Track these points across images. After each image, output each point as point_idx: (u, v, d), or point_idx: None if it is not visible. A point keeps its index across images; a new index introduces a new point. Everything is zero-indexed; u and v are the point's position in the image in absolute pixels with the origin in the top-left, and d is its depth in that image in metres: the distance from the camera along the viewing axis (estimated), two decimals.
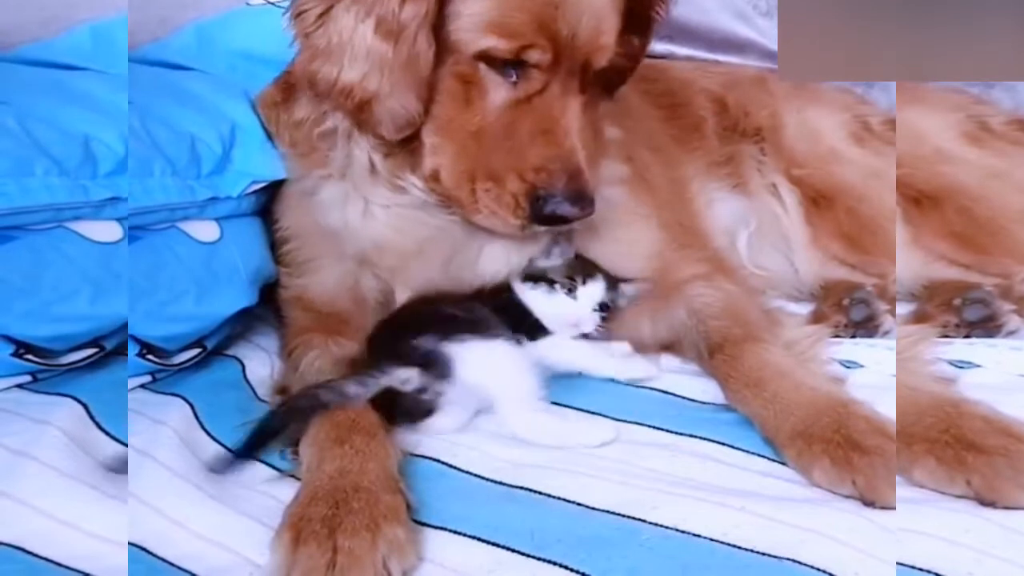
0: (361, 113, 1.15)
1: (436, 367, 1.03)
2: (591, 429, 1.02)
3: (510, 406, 1.03)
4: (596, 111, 1.24)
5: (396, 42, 1.10)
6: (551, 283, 1.19)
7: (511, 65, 1.12)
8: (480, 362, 1.04)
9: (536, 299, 1.18)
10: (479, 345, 1.06)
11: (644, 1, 1.26)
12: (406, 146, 1.19)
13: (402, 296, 1.24)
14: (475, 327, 1.08)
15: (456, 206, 1.18)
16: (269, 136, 1.34)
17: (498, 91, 1.13)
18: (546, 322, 1.17)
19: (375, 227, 1.24)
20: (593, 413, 1.10)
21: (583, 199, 1.12)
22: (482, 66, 1.12)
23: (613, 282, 1.24)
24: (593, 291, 1.20)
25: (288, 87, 1.33)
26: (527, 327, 1.16)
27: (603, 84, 1.29)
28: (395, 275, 1.24)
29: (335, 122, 1.22)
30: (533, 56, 1.11)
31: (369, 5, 1.10)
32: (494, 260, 1.24)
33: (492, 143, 1.14)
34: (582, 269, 1.22)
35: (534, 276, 1.20)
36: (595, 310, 1.20)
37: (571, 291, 1.18)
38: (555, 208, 1.11)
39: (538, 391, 1.05)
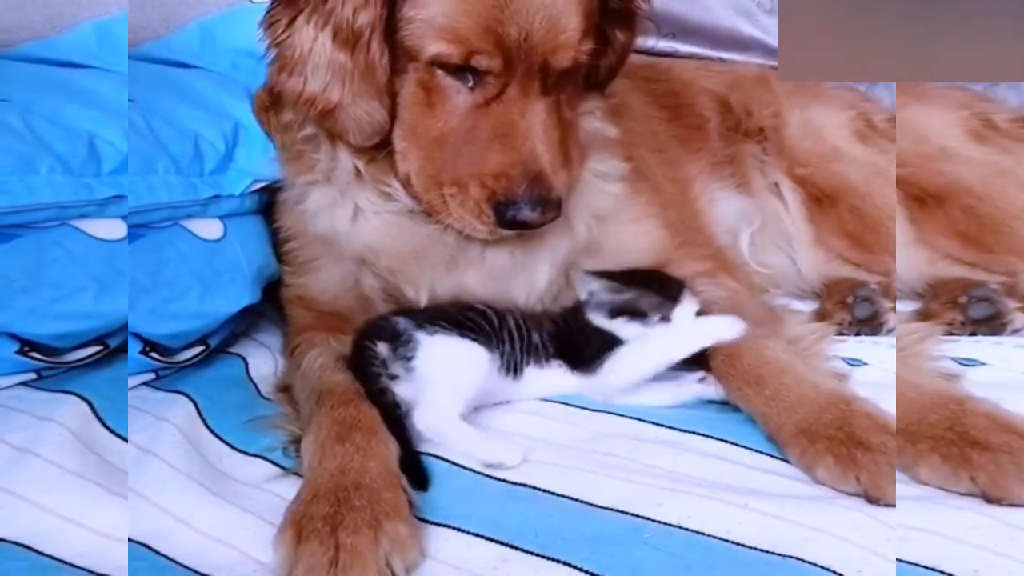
0: (326, 122, 1.15)
1: (402, 347, 1.05)
2: (497, 449, 0.98)
3: (430, 404, 1.02)
4: (568, 111, 1.21)
5: (353, 50, 1.10)
6: (643, 315, 1.14)
7: (464, 70, 1.11)
8: (434, 354, 1.04)
9: (626, 332, 1.13)
10: (446, 340, 1.06)
11: None
12: (383, 151, 1.19)
13: (411, 295, 1.23)
14: (461, 326, 1.08)
15: (429, 210, 1.18)
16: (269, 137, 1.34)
17: (457, 96, 1.12)
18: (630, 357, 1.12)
19: (366, 232, 1.23)
20: (596, 411, 1.10)
21: (546, 203, 1.11)
22: (438, 72, 1.12)
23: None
24: (687, 307, 1.16)
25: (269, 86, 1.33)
26: (595, 348, 1.12)
27: (586, 83, 1.27)
28: (396, 276, 1.24)
29: (316, 128, 1.22)
30: (482, 62, 1.09)
31: (327, 14, 1.10)
32: (500, 268, 1.23)
33: (455, 148, 1.13)
34: (661, 287, 1.17)
35: (625, 310, 1.15)
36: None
37: (664, 318, 1.14)
38: (515, 214, 1.11)
39: (469, 402, 1.04)
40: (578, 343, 1.14)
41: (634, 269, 1.23)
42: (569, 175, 1.19)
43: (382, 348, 1.06)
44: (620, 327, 1.14)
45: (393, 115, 1.15)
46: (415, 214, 1.21)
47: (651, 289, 1.15)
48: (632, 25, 1.27)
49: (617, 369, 1.11)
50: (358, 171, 1.22)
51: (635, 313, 1.14)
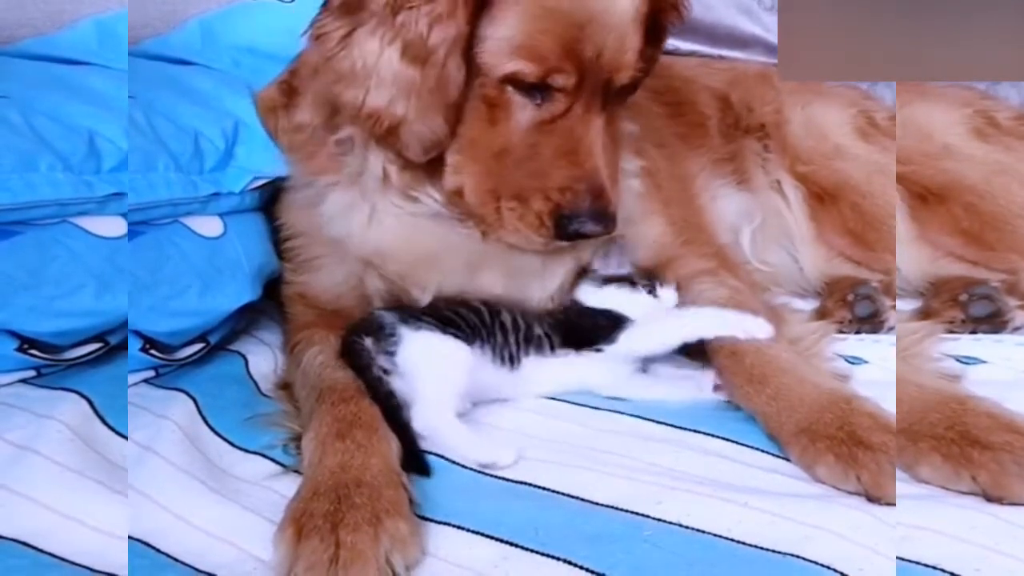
0: (389, 136, 1.14)
1: (385, 340, 1.06)
2: (491, 449, 0.97)
3: (424, 403, 1.02)
4: (616, 126, 1.25)
5: (424, 66, 1.09)
6: (632, 283, 1.20)
7: (536, 88, 1.12)
8: (416, 350, 1.05)
9: (618, 298, 1.19)
10: (428, 336, 1.06)
11: (661, 13, 1.25)
12: (426, 160, 1.18)
13: (416, 296, 1.23)
14: (445, 322, 1.08)
15: (479, 223, 1.19)
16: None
17: (523, 112, 1.14)
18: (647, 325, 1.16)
19: (379, 235, 1.23)
20: (596, 408, 1.10)
21: (606, 217, 1.14)
22: (508, 88, 1.12)
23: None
24: (672, 292, 1.22)
25: (291, 90, 1.32)
26: (603, 329, 1.15)
27: (622, 95, 1.28)
28: (403, 279, 1.24)
29: (351, 131, 1.21)
30: (559, 80, 1.11)
31: (396, 29, 1.09)
32: (521, 270, 1.23)
33: (517, 163, 1.14)
34: (651, 275, 1.24)
35: (614, 279, 1.21)
36: None
37: (652, 291, 1.20)
38: (579, 227, 1.13)
39: (461, 398, 1.04)
40: (584, 330, 1.17)
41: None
42: (618, 187, 1.21)
43: (367, 342, 1.07)
44: (612, 294, 1.18)
45: (453, 130, 1.15)
46: (435, 218, 1.21)
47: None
48: (660, 41, 1.30)
49: (633, 338, 1.14)
50: (386, 176, 1.21)
51: (623, 280, 1.20)
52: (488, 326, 1.11)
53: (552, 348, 1.15)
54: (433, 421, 1.01)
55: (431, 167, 1.19)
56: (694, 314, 1.18)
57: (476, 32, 1.10)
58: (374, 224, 1.23)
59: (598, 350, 1.14)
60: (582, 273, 1.26)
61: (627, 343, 1.14)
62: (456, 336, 1.08)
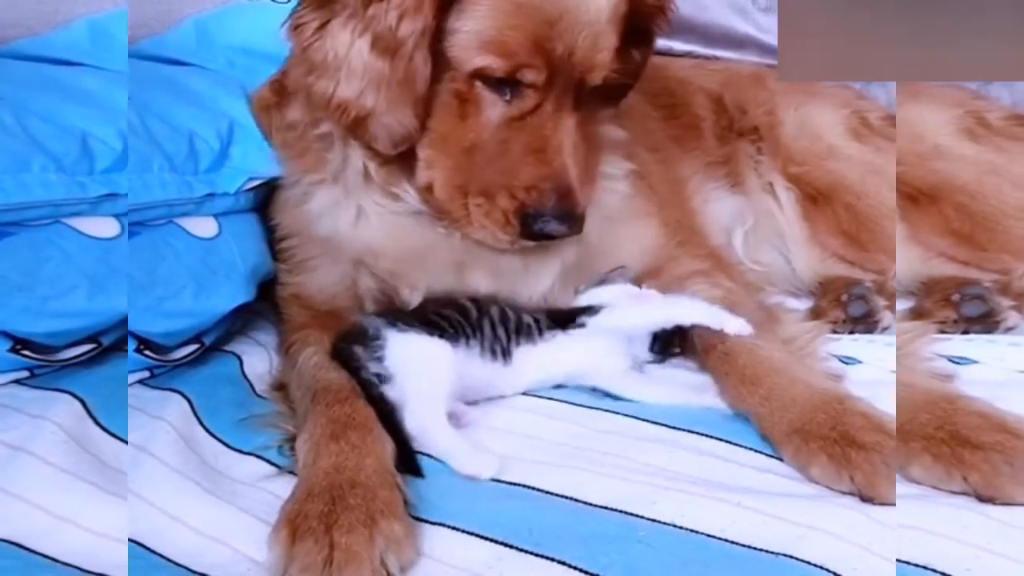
0: (357, 128, 1.15)
1: (372, 347, 1.06)
2: (473, 461, 0.97)
3: (415, 407, 1.02)
4: (591, 126, 1.24)
5: (393, 59, 1.10)
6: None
7: (505, 83, 1.12)
8: (405, 352, 1.05)
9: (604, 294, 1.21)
10: (413, 338, 1.07)
11: (645, 15, 1.25)
12: (402, 156, 1.18)
13: (407, 296, 1.23)
14: (430, 324, 1.09)
15: (448, 219, 1.18)
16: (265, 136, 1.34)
17: (492, 108, 1.13)
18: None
19: (367, 233, 1.24)
20: (590, 408, 1.10)
21: (572, 218, 1.13)
22: (477, 83, 1.12)
23: None
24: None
25: (282, 89, 1.32)
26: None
27: (604, 97, 1.28)
28: (394, 278, 1.24)
29: (331, 126, 1.22)
30: (528, 76, 1.11)
31: (366, 21, 1.09)
32: (508, 271, 1.23)
33: (485, 159, 1.14)
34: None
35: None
36: None
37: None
38: (543, 227, 1.12)
39: (449, 399, 1.04)
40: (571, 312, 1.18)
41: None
42: (589, 188, 1.21)
43: (356, 350, 1.07)
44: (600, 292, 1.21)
45: (423, 124, 1.15)
46: (420, 216, 1.21)
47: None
48: (648, 44, 1.29)
49: (615, 315, 1.16)
50: (367, 172, 1.22)
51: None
52: (474, 323, 1.11)
53: (540, 332, 1.15)
54: (423, 423, 1.01)
55: (408, 163, 1.19)
56: (675, 300, 1.20)
57: (445, 26, 1.10)
58: (361, 222, 1.24)
59: (581, 324, 1.15)
60: (571, 274, 1.27)
61: (608, 318, 1.15)
62: (441, 337, 1.07)
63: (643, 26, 1.26)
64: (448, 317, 1.11)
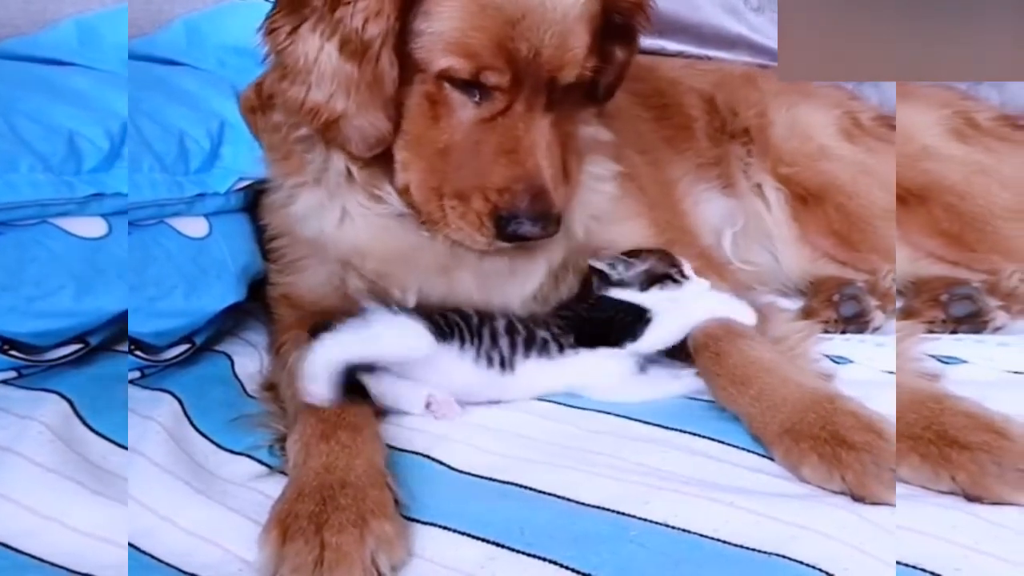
0: (329, 132, 1.15)
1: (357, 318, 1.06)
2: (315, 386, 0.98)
3: (324, 343, 1.02)
4: (571, 126, 1.23)
5: (361, 61, 1.09)
6: (663, 280, 1.19)
7: (472, 85, 1.11)
8: (382, 320, 1.06)
9: (659, 300, 1.17)
10: (398, 315, 1.07)
11: (624, 13, 1.24)
12: (382, 158, 1.18)
13: (398, 297, 1.23)
14: (427, 319, 1.09)
15: (426, 220, 1.18)
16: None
17: (463, 110, 1.13)
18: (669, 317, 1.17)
19: (353, 234, 1.23)
20: (583, 409, 1.10)
21: (546, 218, 1.12)
22: (446, 85, 1.12)
23: None
24: (688, 266, 1.23)
25: (265, 91, 1.32)
26: (625, 325, 1.15)
27: (589, 96, 1.27)
28: (382, 279, 1.24)
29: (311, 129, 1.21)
30: (491, 78, 1.10)
31: (334, 24, 1.09)
32: (495, 272, 1.23)
33: (459, 161, 1.13)
34: (667, 257, 1.23)
35: (653, 280, 1.19)
36: None
37: (684, 277, 1.20)
38: (516, 228, 1.11)
39: (354, 358, 1.03)
40: (600, 324, 1.16)
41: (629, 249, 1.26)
42: (568, 189, 1.20)
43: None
44: (651, 296, 1.17)
45: (396, 126, 1.15)
46: (405, 218, 1.21)
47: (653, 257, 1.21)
48: (632, 42, 1.28)
49: (654, 333, 1.14)
50: (350, 174, 1.21)
51: (664, 279, 1.19)
52: (474, 328, 1.11)
53: (561, 348, 1.14)
54: (312, 362, 1.00)
55: (388, 165, 1.19)
56: (697, 300, 1.18)
57: (412, 27, 1.10)
58: (346, 224, 1.23)
59: (620, 347, 1.14)
60: (560, 275, 1.27)
61: (650, 339, 1.14)
62: (434, 332, 1.07)
63: (624, 24, 1.25)
64: (446, 316, 1.10)
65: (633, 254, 1.22)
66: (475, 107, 1.12)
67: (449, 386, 1.08)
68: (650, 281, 1.19)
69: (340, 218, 1.23)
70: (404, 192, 1.19)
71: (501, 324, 1.13)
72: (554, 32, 1.09)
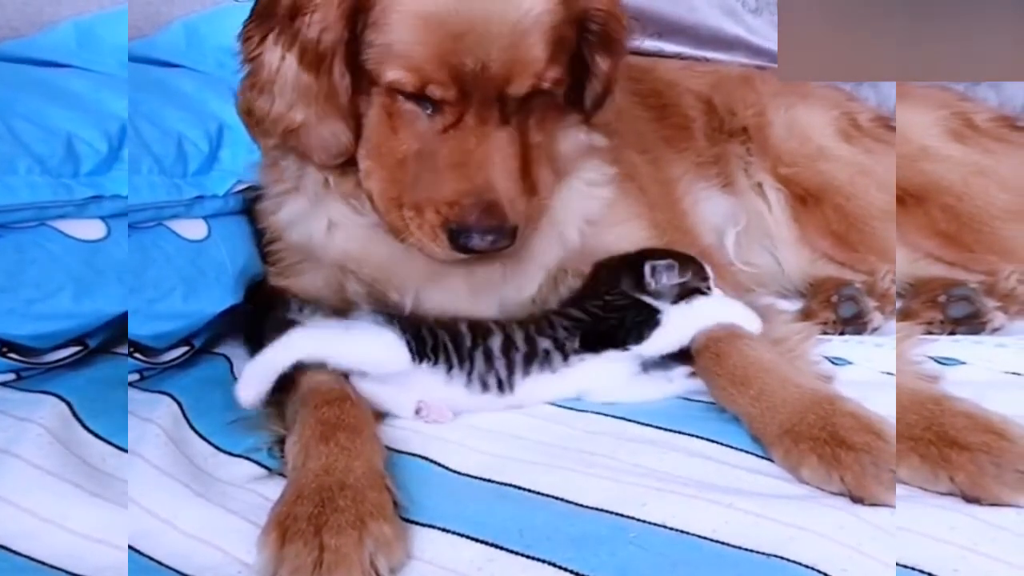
0: (292, 141, 1.16)
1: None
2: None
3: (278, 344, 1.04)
4: (538, 135, 1.19)
5: (318, 72, 1.10)
6: (693, 294, 1.17)
7: (420, 98, 1.11)
8: (361, 324, 1.07)
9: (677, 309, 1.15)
10: (374, 326, 1.07)
11: (597, 21, 1.20)
12: (351, 167, 1.19)
13: (396, 300, 1.23)
14: (414, 335, 1.08)
15: (391, 229, 1.18)
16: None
17: (418, 121, 1.12)
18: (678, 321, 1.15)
19: (342, 242, 1.24)
20: (581, 410, 1.10)
21: (499, 232, 1.11)
22: (399, 97, 1.11)
23: None
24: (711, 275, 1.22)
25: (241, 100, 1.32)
26: (635, 326, 1.13)
27: (576, 105, 1.26)
28: (379, 283, 1.24)
29: None
30: (435, 91, 1.09)
31: (293, 34, 1.10)
32: (489, 278, 1.23)
33: (415, 172, 1.13)
34: (701, 271, 1.21)
35: (689, 291, 1.17)
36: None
37: (710, 290, 1.19)
38: (466, 242, 1.11)
39: (297, 360, 1.04)
40: (611, 323, 1.14)
41: (654, 249, 1.24)
42: (536, 201, 1.19)
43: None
44: (676, 307, 1.15)
45: (359, 135, 1.16)
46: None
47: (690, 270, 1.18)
48: (613, 51, 1.24)
49: (661, 337, 1.13)
50: (327, 182, 1.22)
51: (694, 293, 1.17)
52: (464, 353, 1.08)
53: (565, 357, 1.11)
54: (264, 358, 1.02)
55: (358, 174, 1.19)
56: (707, 306, 1.16)
57: (363, 38, 1.10)
58: (335, 232, 1.24)
59: (625, 349, 1.12)
60: (560, 278, 1.26)
61: (656, 343, 1.13)
62: (405, 341, 1.05)
63: (602, 33, 1.21)
64: (435, 336, 1.08)
65: (678, 259, 1.18)
66: (428, 119, 1.12)
67: (437, 400, 1.07)
68: (682, 295, 1.17)
69: (327, 226, 1.24)
70: (371, 200, 1.19)
71: (497, 343, 1.10)
72: (501, 46, 1.07)
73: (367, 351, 1.05)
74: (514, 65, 1.09)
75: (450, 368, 1.07)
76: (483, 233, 1.10)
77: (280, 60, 1.12)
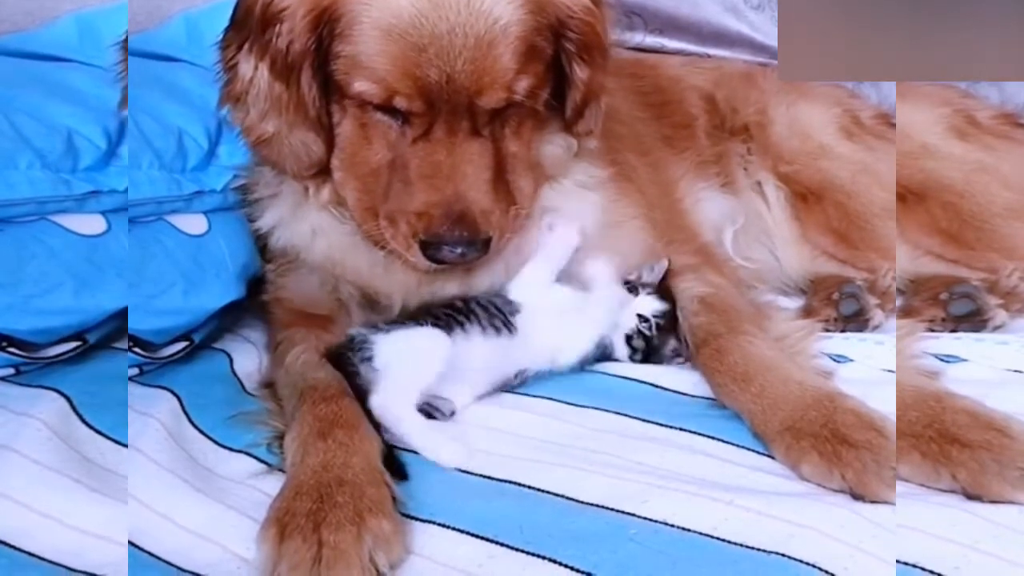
0: (264, 150, 1.16)
1: (361, 351, 1.08)
2: (438, 444, 0.99)
3: (384, 388, 1.03)
4: (515, 145, 1.17)
5: (288, 82, 1.10)
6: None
7: (387, 109, 1.10)
8: (389, 348, 1.07)
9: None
10: (400, 333, 1.09)
11: (574, 30, 1.16)
12: (329, 178, 1.19)
13: (388, 303, 1.23)
14: (419, 318, 1.11)
15: (368, 238, 1.18)
16: None
17: (389, 132, 1.12)
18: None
19: (327, 248, 1.24)
20: (582, 407, 1.10)
21: (470, 243, 1.11)
22: (369, 108, 1.11)
23: None
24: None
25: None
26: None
27: (555, 113, 1.24)
28: (369, 287, 1.24)
29: None
30: (401, 103, 1.08)
31: (265, 45, 1.10)
32: (481, 283, 1.23)
33: (387, 183, 1.13)
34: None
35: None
36: None
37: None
38: (436, 253, 1.11)
39: (422, 390, 1.04)
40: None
41: None
42: (515, 210, 1.18)
43: (349, 355, 1.09)
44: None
45: (331, 146, 1.16)
46: None
47: None
48: (593, 60, 1.20)
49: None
50: (307, 190, 1.22)
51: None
52: (464, 308, 1.13)
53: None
54: (389, 405, 1.01)
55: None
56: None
57: (331, 49, 1.09)
58: (319, 239, 1.25)
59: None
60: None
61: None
62: (434, 325, 1.09)
63: (581, 42, 1.18)
64: (434, 313, 1.12)
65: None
66: (399, 130, 1.12)
67: (477, 370, 1.10)
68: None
69: (311, 233, 1.25)
70: (348, 208, 1.20)
71: (478, 301, 1.16)
72: (467, 58, 1.06)
73: (437, 351, 1.07)
74: (482, 76, 1.07)
75: (463, 325, 1.10)
76: (453, 244, 1.10)
77: (253, 70, 1.12)
